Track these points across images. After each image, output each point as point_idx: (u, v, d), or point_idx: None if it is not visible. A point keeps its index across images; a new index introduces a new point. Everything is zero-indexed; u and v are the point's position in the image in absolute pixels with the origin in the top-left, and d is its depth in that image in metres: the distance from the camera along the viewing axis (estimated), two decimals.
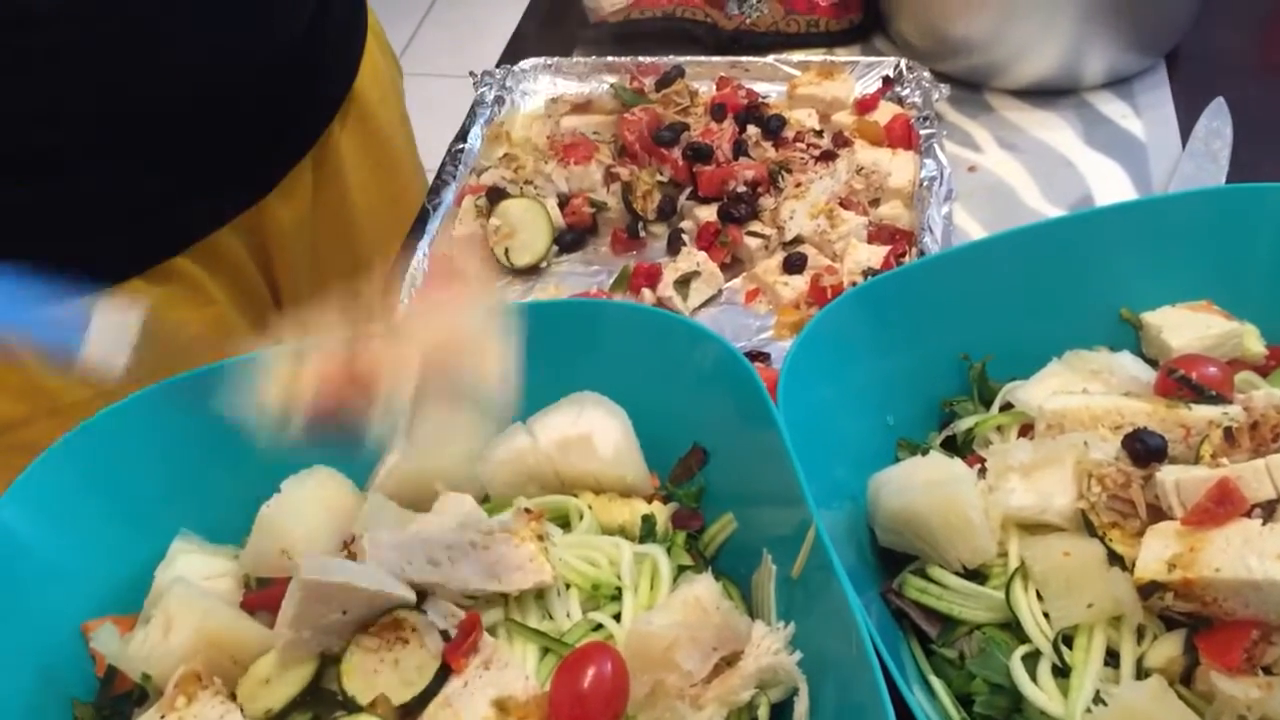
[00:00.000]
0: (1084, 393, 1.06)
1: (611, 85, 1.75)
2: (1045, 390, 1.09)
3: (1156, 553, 0.89)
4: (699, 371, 1.10)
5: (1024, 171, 1.67)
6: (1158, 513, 0.94)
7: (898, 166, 1.61)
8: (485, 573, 0.93)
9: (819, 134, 1.67)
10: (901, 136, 1.66)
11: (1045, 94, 1.78)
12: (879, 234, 1.54)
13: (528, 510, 0.99)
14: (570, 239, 1.58)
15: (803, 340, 1.07)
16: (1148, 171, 1.65)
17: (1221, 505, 0.90)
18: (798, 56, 1.82)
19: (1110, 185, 1.63)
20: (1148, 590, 0.89)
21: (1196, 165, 1.63)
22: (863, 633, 0.85)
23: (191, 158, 1.15)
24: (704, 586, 0.94)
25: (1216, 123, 1.69)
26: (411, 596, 0.92)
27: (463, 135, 1.73)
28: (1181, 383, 1.04)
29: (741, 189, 1.53)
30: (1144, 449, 0.95)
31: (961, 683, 0.95)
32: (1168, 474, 0.95)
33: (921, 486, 1.00)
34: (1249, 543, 0.86)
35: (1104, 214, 1.21)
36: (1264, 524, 0.88)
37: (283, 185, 1.60)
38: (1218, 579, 0.85)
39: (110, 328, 0.83)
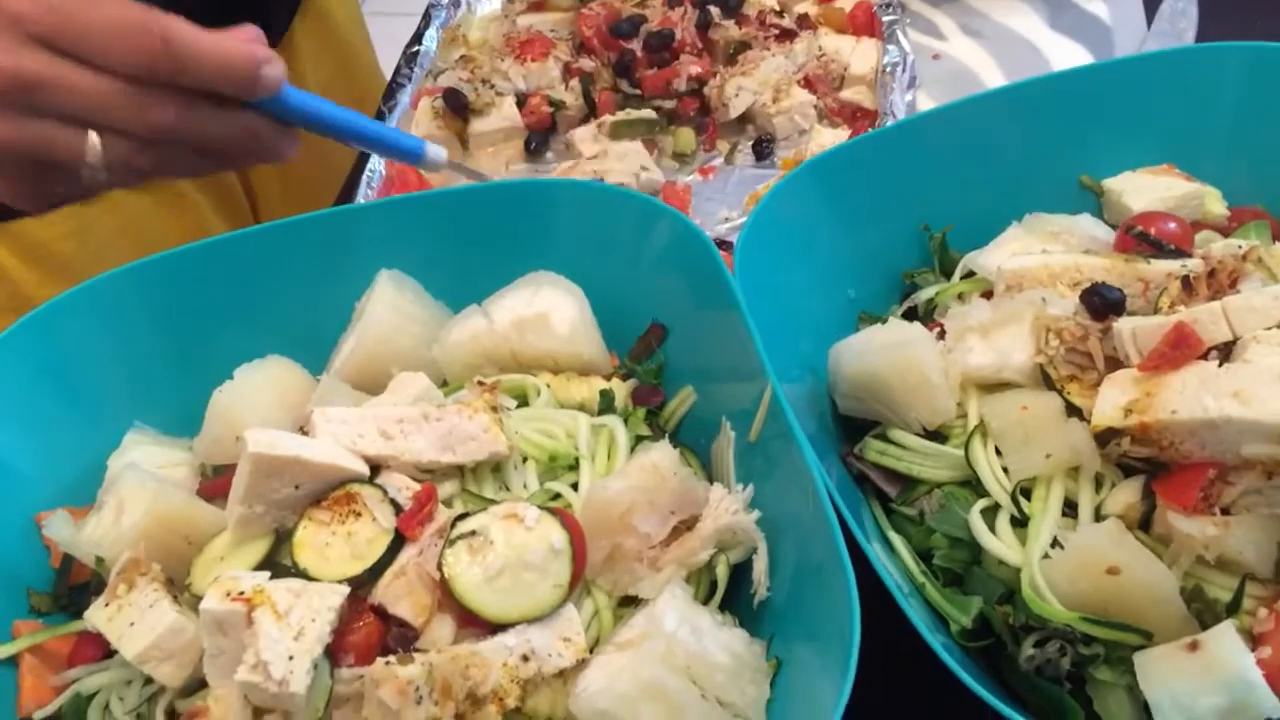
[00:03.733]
0: (1043, 253, 1.04)
1: None
2: (1005, 254, 1.08)
3: (1114, 400, 0.89)
4: (656, 248, 1.08)
5: (988, 57, 1.65)
6: (1116, 365, 0.93)
7: (860, 53, 1.59)
8: (439, 444, 0.92)
9: (779, 14, 1.64)
10: (865, 24, 1.64)
11: None
12: (841, 112, 1.53)
13: (481, 382, 0.97)
14: (535, 144, 1.56)
15: (757, 214, 1.05)
16: (1112, 53, 1.62)
17: (1178, 349, 0.89)
18: None
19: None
20: (1105, 438, 0.88)
21: (1161, 45, 1.61)
22: (820, 489, 0.84)
23: None
24: (661, 453, 0.93)
25: (1182, 3, 1.67)
26: (364, 470, 0.91)
27: (418, 38, 1.70)
28: (1140, 239, 1.03)
29: (684, 87, 1.51)
30: (1101, 302, 0.94)
31: (921, 539, 0.94)
32: (1124, 324, 0.94)
33: (880, 349, 0.99)
34: (1205, 383, 0.85)
35: (1062, 79, 1.19)
36: (1220, 365, 0.87)
37: None
38: (1174, 421, 0.84)
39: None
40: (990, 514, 0.92)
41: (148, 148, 0.94)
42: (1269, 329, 0.87)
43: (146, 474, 0.97)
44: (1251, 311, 0.90)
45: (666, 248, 1.07)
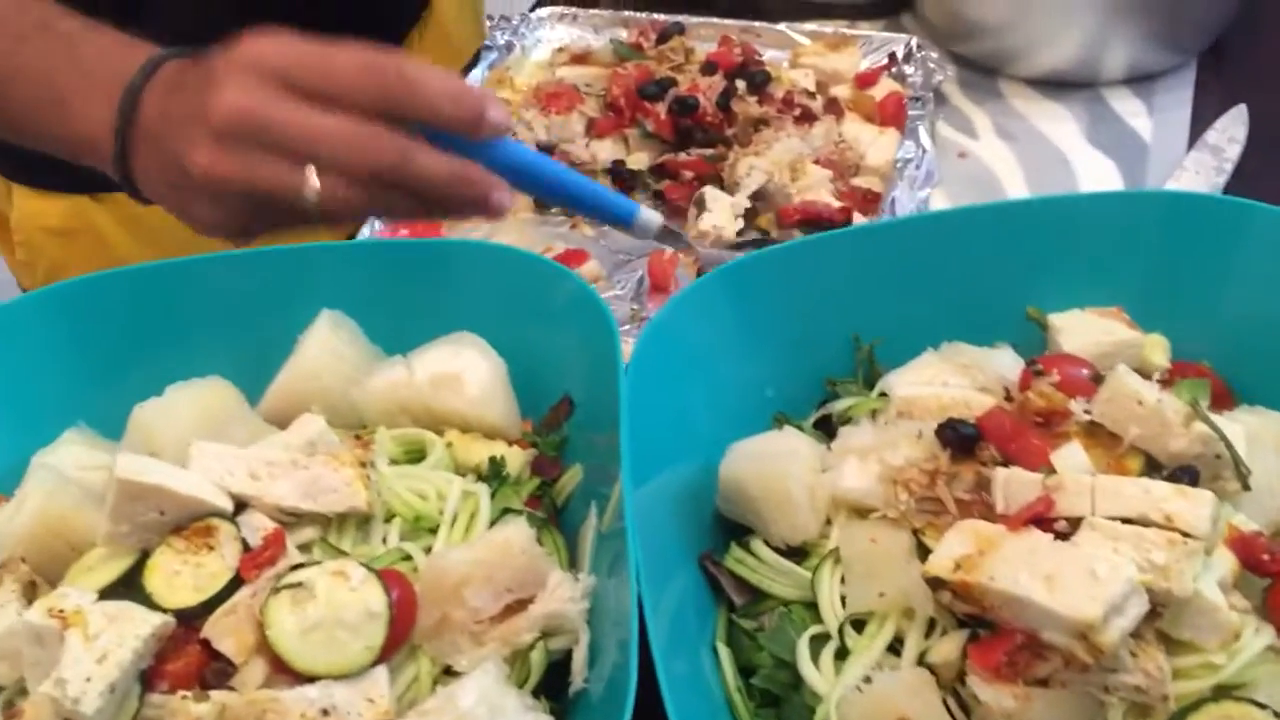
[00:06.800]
0: (943, 386, 1.03)
1: (611, 39, 1.75)
2: (914, 379, 1.07)
3: (951, 550, 0.88)
4: (569, 319, 1.10)
5: (1015, 163, 1.63)
6: (969, 510, 0.92)
7: (880, 145, 1.59)
8: (301, 492, 0.96)
9: (812, 95, 1.64)
10: (893, 115, 1.63)
11: (1061, 85, 1.72)
12: (850, 195, 1.52)
13: (358, 437, 1.01)
14: None
15: (670, 308, 1.07)
16: (1144, 173, 1.58)
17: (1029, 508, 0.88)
18: (810, 26, 1.80)
19: (1100, 184, 1.57)
20: (933, 585, 0.87)
21: (1196, 171, 1.57)
22: (632, 592, 0.85)
23: None
24: (516, 529, 0.95)
25: (1232, 130, 1.62)
26: (227, 505, 0.95)
27: (463, 76, 1.75)
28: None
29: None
30: (955, 437, 0.93)
31: (751, 654, 0.94)
32: (1002, 472, 0.93)
33: (751, 458, 1.00)
34: (1029, 556, 0.83)
35: (1023, 206, 1.18)
36: (1054, 539, 0.85)
37: None
38: (991, 587, 0.83)
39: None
40: (822, 642, 0.92)
41: (365, 187, 0.97)
42: (1111, 519, 0.85)
43: (52, 474, 1.03)
44: (1117, 496, 0.88)
45: (576, 320, 1.09)
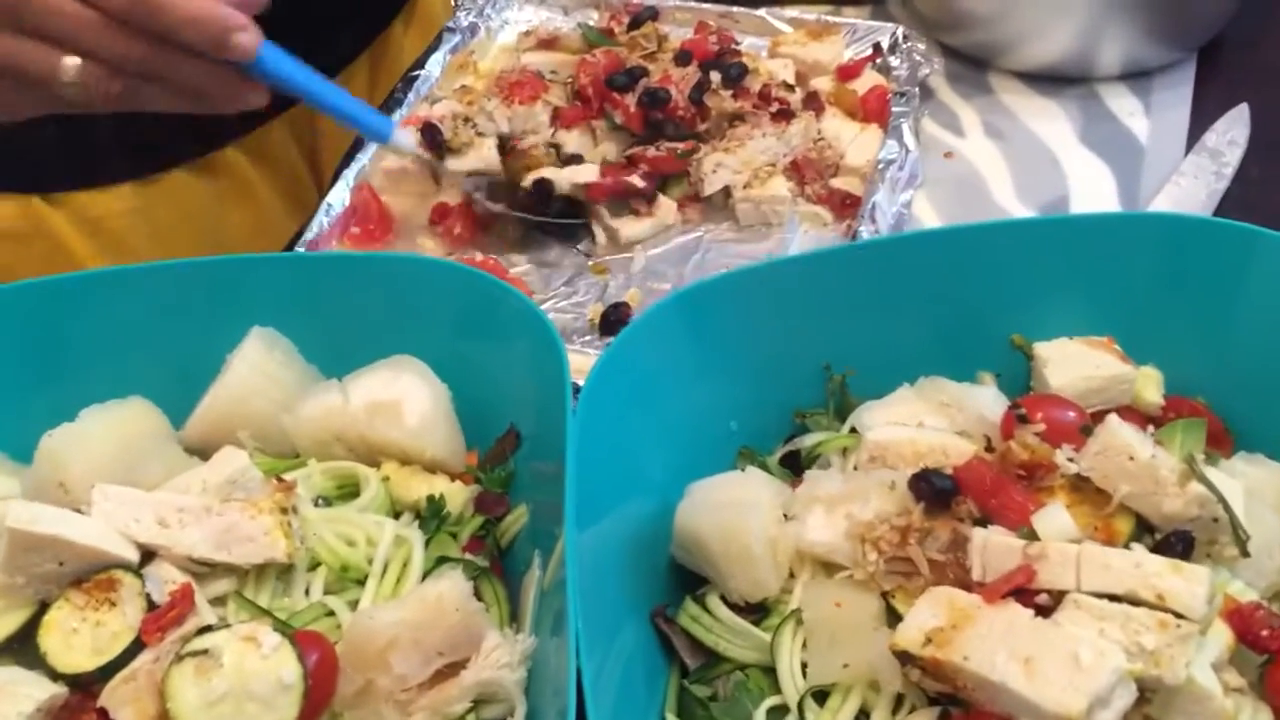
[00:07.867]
0: (919, 426, 0.95)
1: (580, 23, 1.66)
2: (889, 416, 0.99)
3: (922, 620, 0.80)
4: (516, 342, 1.02)
5: (1003, 163, 1.54)
6: (944, 572, 0.84)
7: (861, 144, 1.49)
8: (214, 541, 0.88)
9: (791, 88, 1.55)
10: (876, 110, 1.54)
11: (1054, 80, 1.63)
12: (830, 199, 1.44)
13: (280, 479, 0.93)
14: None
15: (625, 336, 0.98)
16: (1139, 177, 1.50)
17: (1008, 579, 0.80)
18: (792, 12, 1.70)
19: (1093, 188, 1.49)
20: (902, 659, 0.80)
21: (1194, 176, 1.48)
22: (570, 660, 0.78)
23: None
24: (450, 583, 0.87)
25: (1233, 132, 1.53)
26: (133, 556, 0.87)
27: (420, 62, 1.65)
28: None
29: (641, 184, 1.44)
30: (930, 490, 0.86)
31: None
32: (980, 533, 0.85)
33: (710, 507, 0.92)
34: (1007, 635, 0.76)
35: (1006, 228, 1.09)
36: (1035, 614, 0.77)
37: (338, 79, 1.56)
38: (964, 667, 0.75)
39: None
40: (780, 714, 0.85)
41: (118, 75, 1.02)
42: (1099, 596, 0.78)
43: None
44: (1105, 570, 0.80)
45: (523, 342, 1.01)
